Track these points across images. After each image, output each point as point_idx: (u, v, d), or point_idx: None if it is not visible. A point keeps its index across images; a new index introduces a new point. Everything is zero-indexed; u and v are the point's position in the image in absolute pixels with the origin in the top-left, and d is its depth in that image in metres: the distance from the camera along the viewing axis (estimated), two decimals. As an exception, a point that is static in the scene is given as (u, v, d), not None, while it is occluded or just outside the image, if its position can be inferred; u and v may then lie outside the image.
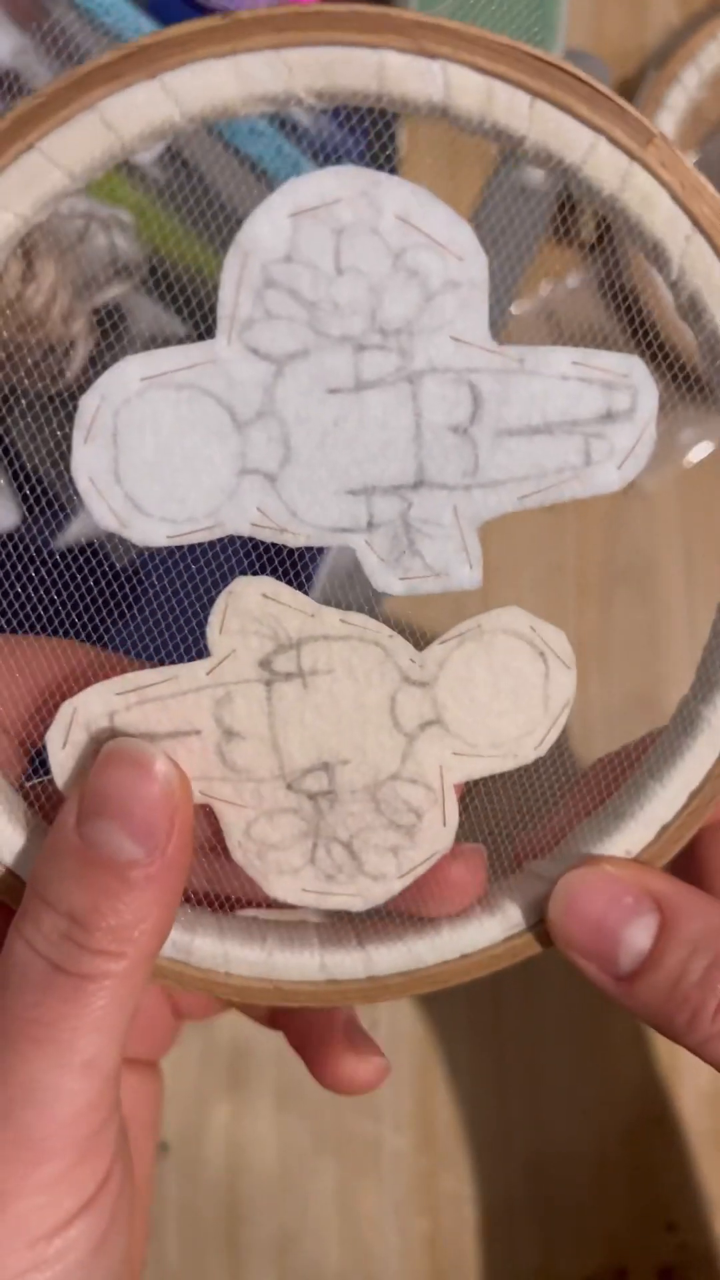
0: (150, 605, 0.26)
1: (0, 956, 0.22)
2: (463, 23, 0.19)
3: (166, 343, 0.38)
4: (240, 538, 0.21)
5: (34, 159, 0.19)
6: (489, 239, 0.19)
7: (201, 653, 0.22)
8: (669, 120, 0.45)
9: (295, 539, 0.21)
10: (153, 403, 0.21)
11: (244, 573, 0.22)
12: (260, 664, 0.22)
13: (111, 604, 0.25)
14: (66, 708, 0.22)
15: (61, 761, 0.23)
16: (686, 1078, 0.44)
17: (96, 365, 0.37)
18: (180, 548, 0.22)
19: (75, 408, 0.21)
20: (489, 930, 0.25)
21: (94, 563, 0.25)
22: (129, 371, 0.20)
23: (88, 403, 0.21)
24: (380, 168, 0.20)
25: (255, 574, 0.22)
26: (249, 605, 0.22)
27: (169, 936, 0.23)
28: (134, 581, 0.30)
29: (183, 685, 0.22)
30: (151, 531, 0.21)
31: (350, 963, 0.25)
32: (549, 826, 0.25)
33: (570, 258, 0.42)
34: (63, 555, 0.24)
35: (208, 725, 0.23)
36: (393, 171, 0.19)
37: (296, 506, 0.21)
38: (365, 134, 0.41)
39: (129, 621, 0.26)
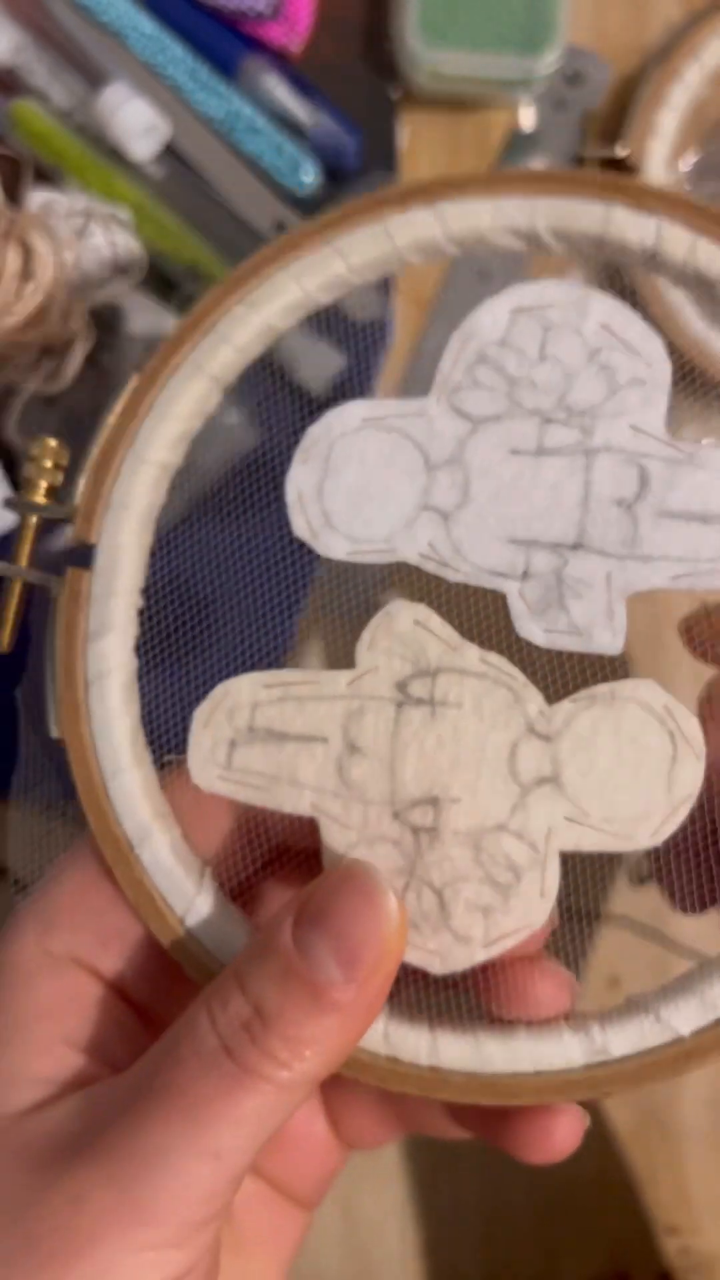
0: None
1: (184, 1018, 0.23)
2: (675, 190, 0.23)
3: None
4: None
5: (326, 251, 0.25)
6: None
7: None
8: (671, 118, 0.43)
9: (455, 574, 0.24)
10: (366, 439, 0.24)
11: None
12: (397, 685, 0.24)
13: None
14: (220, 689, 0.25)
15: (199, 740, 0.25)
16: (687, 1081, 0.43)
17: (94, 364, 0.36)
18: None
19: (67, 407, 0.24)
20: (570, 1051, 0.23)
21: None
22: (355, 411, 0.24)
23: (314, 430, 0.25)
24: (379, 166, 0.24)
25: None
26: (400, 627, 0.24)
27: None
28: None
29: (323, 690, 0.24)
30: (335, 545, 0.24)
31: (414, 1042, 0.23)
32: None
33: (568, 259, 0.41)
34: (62, 555, 0.26)
35: (335, 735, 0.24)
36: (392, 168, 0.23)
37: (462, 546, 0.24)
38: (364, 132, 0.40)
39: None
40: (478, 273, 0.24)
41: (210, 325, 0.26)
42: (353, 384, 0.39)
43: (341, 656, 0.25)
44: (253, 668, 0.25)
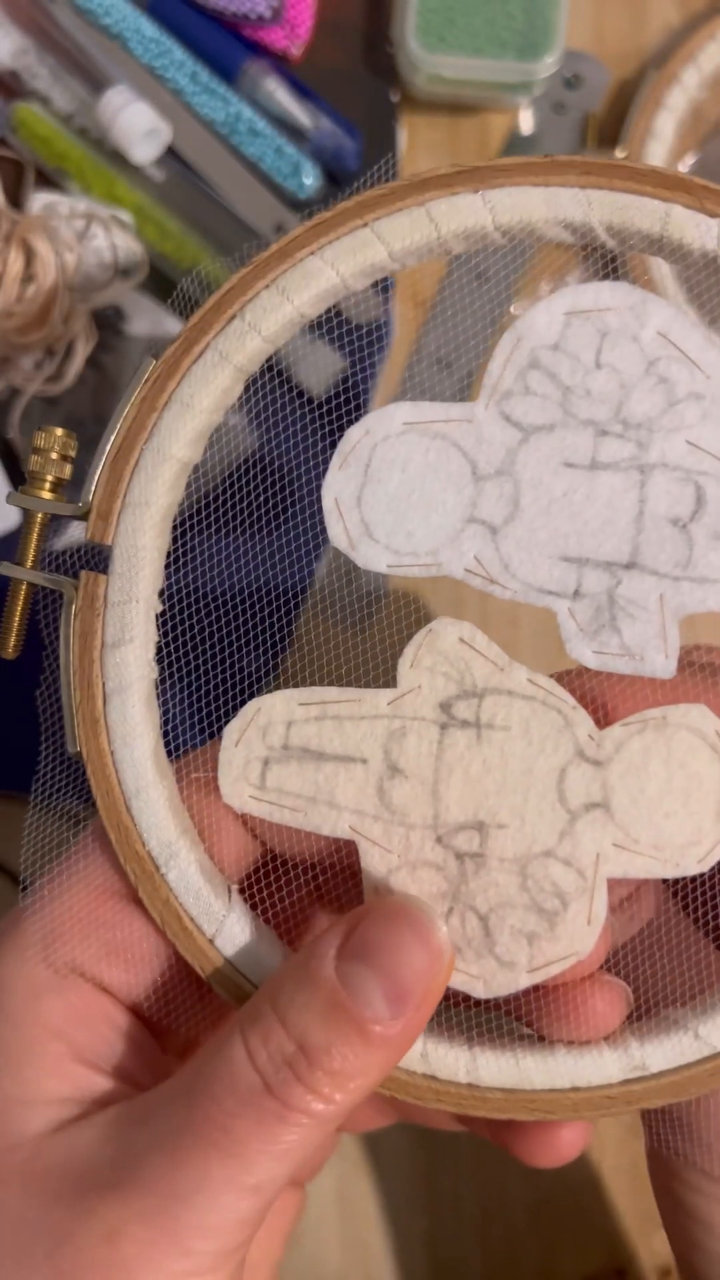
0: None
1: (216, 1047, 0.22)
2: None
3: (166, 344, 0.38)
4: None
5: (365, 234, 0.23)
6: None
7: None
8: (669, 121, 0.44)
9: (503, 591, 0.23)
10: (409, 444, 0.23)
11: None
12: (441, 705, 0.23)
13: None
14: (252, 706, 0.23)
15: (229, 758, 0.23)
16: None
17: (95, 366, 0.37)
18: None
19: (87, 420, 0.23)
20: (607, 1067, 0.23)
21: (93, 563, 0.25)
22: (397, 415, 0.23)
23: (353, 434, 0.23)
24: (381, 166, 0.23)
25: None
26: (445, 645, 0.23)
27: None
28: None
29: (363, 709, 0.23)
30: (375, 557, 0.23)
31: (453, 1060, 0.23)
32: (696, 969, 0.24)
33: (569, 258, 0.41)
34: (63, 555, 0.25)
35: (375, 756, 0.23)
36: (393, 171, 0.22)
37: (511, 561, 0.23)
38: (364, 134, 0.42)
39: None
40: (476, 274, 0.23)
41: (237, 311, 0.24)
42: (353, 385, 0.39)
43: (343, 664, 0.24)
44: (250, 675, 0.24)
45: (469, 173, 0.23)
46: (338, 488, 0.23)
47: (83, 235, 0.38)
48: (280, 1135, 0.21)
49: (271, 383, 0.40)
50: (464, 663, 0.23)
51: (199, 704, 0.25)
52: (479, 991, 0.23)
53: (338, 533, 0.23)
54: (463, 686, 0.23)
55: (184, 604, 0.25)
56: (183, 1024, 0.24)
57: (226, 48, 0.42)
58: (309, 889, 0.25)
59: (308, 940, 0.23)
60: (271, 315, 0.23)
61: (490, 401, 0.23)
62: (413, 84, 0.45)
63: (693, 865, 0.22)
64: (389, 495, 0.23)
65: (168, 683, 0.24)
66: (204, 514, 0.26)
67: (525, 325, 0.23)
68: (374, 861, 0.23)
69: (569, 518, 0.23)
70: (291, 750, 0.23)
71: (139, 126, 0.40)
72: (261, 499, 0.25)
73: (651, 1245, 0.41)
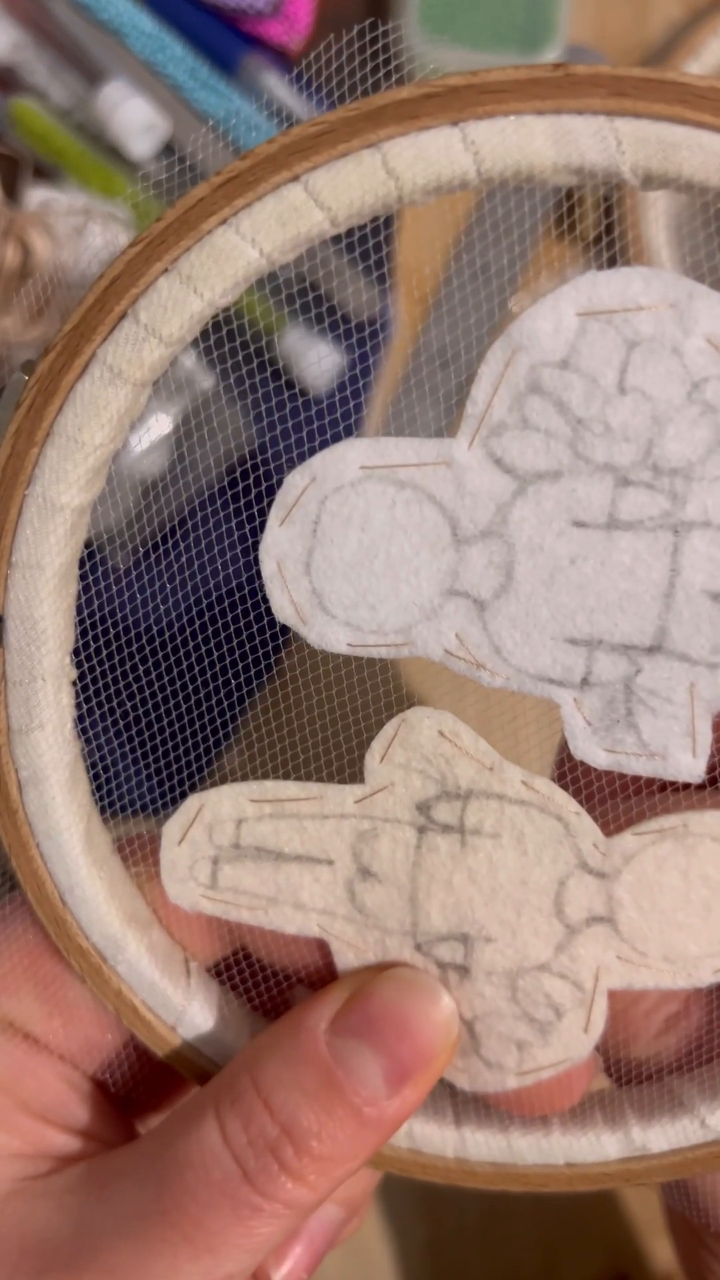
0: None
1: (187, 1121, 0.20)
2: None
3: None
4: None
5: (296, 193, 0.16)
6: (489, 233, 0.16)
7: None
8: None
9: (492, 679, 0.18)
10: (367, 496, 0.17)
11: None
12: (418, 807, 0.19)
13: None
14: (193, 802, 0.20)
15: (173, 858, 0.20)
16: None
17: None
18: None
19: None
20: (605, 1148, 0.21)
21: (90, 564, 0.21)
22: (350, 456, 0.17)
23: (294, 481, 0.18)
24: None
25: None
26: (421, 740, 0.19)
27: None
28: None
29: (326, 808, 0.19)
30: (332, 635, 0.18)
31: (440, 1140, 0.22)
32: (698, 1036, 0.22)
33: (571, 253, 0.41)
34: None
35: (343, 858, 0.20)
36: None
37: (502, 643, 0.18)
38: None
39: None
40: (479, 267, 0.17)
41: (127, 308, 0.17)
42: (353, 384, 0.36)
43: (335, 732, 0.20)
44: (230, 704, 0.20)
45: (444, 96, 0.16)
46: (280, 549, 0.18)
47: (80, 231, 0.36)
48: (256, 1228, 0.20)
49: (269, 380, 0.35)
50: (444, 760, 0.19)
51: (164, 738, 0.21)
52: (463, 1084, 0.21)
53: (283, 605, 0.18)
54: (444, 787, 0.19)
55: (156, 630, 0.21)
56: (130, 1083, 0.23)
57: (225, 42, 0.41)
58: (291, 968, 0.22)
59: (292, 1011, 0.21)
60: (174, 314, 0.17)
61: (475, 438, 0.17)
62: (412, 79, 0.37)
63: (708, 976, 0.19)
64: (345, 560, 0.18)
65: (126, 721, 0.21)
66: (198, 517, 0.21)
67: (524, 332, 0.16)
68: (348, 962, 0.20)
69: (578, 591, 0.18)
70: (244, 849, 0.20)
71: (137, 121, 0.39)
72: (258, 500, 0.20)
73: (654, 1250, 0.41)
